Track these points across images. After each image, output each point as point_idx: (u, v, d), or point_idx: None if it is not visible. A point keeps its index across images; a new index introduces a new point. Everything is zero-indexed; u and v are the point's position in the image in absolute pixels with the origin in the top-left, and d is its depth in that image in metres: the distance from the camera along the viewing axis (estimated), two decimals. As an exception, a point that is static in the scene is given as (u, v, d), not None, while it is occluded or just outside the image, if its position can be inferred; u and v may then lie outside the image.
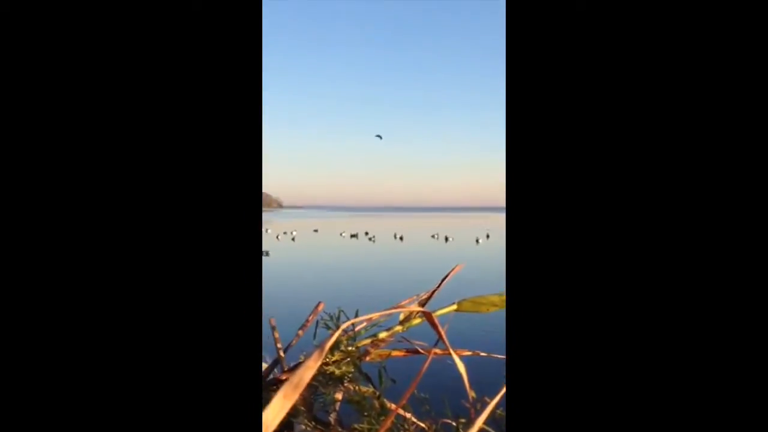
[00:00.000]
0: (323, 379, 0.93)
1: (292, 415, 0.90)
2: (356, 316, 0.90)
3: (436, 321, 0.77)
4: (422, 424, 0.89)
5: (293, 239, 28.44)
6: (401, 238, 29.03)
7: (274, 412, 0.52)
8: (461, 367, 0.75)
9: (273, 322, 1.16)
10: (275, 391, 0.68)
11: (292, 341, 1.12)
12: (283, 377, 1.01)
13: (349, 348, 0.96)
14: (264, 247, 19.40)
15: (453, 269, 1.14)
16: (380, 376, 0.91)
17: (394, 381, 0.90)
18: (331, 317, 0.95)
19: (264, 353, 1.24)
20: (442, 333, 0.76)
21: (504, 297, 0.95)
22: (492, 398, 0.74)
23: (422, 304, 1.06)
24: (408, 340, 1.06)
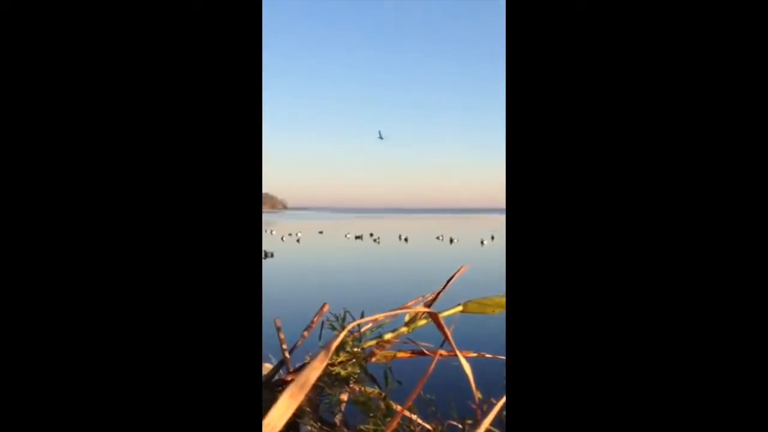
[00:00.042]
0: (329, 380, 0.93)
1: (298, 416, 0.90)
2: (361, 317, 0.90)
3: (442, 322, 0.77)
4: (428, 426, 0.88)
5: (298, 241, 28.47)
6: (406, 240, 29.01)
7: (280, 412, 0.52)
8: (467, 368, 0.75)
9: (278, 323, 1.16)
10: (281, 391, 0.68)
11: (297, 342, 1.13)
12: (289, 378, 1.01)
13: (355, 349, 0.96)
14: (269, 249, 19.42)
15: (458, 270, 1.14)
16: (386, 377, 0.91)
17: (400, 382, 0.90)
18: (337, 318, 0.95)
19: (269, 354, 1.24)
20: (448, 333, 0.76)
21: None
22: (498, 399, 0.74)
23: (428, 305, 1.05)
24: (414, 342, 1.05)
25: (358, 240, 29.54)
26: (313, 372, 0.56)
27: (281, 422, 0.52)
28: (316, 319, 1.14)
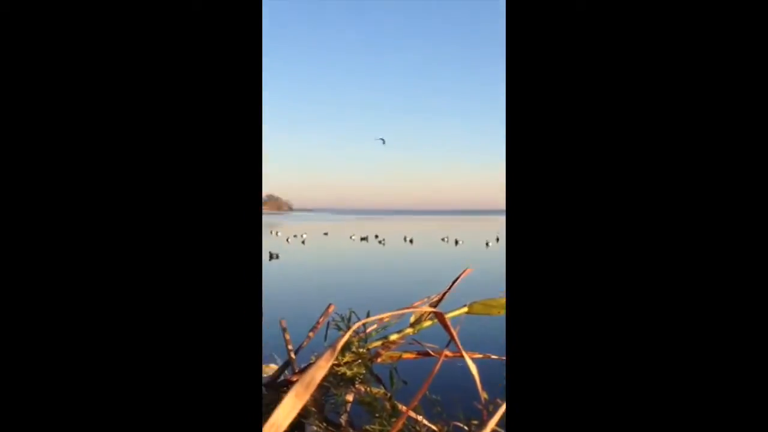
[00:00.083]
0: (334, 380, 0.93)
1: (304, 416, 0.90)
2: (367, 317, 0.90)
3: (448, 321, 0.77)
4: (434, 427, 0.88)
5: (303, 242, 28.48)
6: (411, 241, 28.97)
7: (285, 412, 0.52)
8: (473, 368, 0.74)
9: (284, 324, 1.16)
10: (286, 392, 0.68)
11: (302, 343, 1.13)
12: (294, 378, 1.02)
13: (360, 350, 0.96)
14: (274, 250, 19.42)
15: (463, 272, 1.14)
16: (391, 378, 0.91)
17: (405, 382, 0.90)
18: (342, 318, 0.96)
19: (275, 355, 1.25)
20: (454, 333, 0.76)
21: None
22: (504, 400, 0.74)
23: (433, 306, 1.05)
24: (419, 343, 1.06)
25: (364, 241, 29.51)
26: (319, 371, 0.56)
27: (286, 422, 0.52)
28: (321, 320, 1.14)
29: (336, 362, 0.94)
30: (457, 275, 1.12)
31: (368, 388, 0.92)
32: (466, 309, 1.03)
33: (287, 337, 1.13)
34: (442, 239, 29.61)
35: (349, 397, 0.95)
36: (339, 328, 0.95)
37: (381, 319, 0.95)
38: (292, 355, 1.08)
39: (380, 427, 0.85)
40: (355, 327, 0.76)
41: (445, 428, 0.87)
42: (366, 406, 0.90)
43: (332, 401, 0.93)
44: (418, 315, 1.05)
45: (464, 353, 0.74)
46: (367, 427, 0.86)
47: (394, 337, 1.03)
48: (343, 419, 0.93)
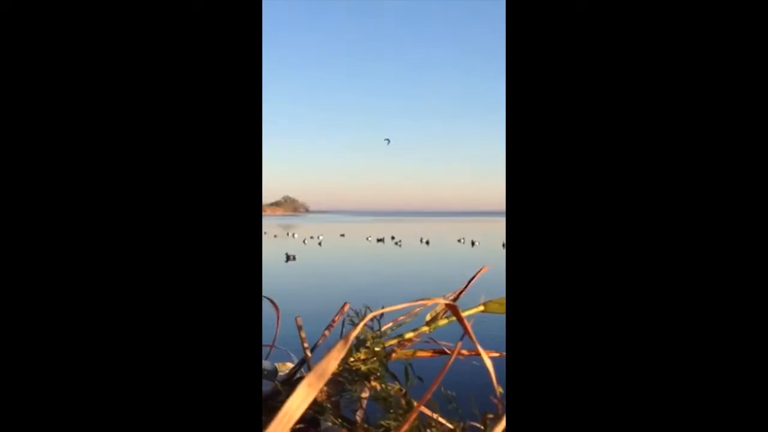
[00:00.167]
0: (349, 376, 0.93)
1: (319, 412, 0.91)
2: (381, 313, 0.90)
3: (462, 316, 0.77)
4: (449, 425, 0.88)
5: (320, 244, 28.58)
6: (427, 243, 28.93)
7: (298, 401, 0.52)
8: (488, 362, 0.74)
9: (299, 322, 1.17)
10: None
11: (318, 341, 1.13)
12: (310, 375, 1.02)
13: (376, 348, 0.96)
14: (291, 252, 19.52)
15: (480, 270, 1.14)
16: (406, 374, 0.91)
17: (421, 379, 0.90)
18: (357, 313, 0.96)
19: (290, 353, 1.25)
20: (468, 327, 0.76)
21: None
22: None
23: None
24: (435, 341, 1.06)
25: (380, 243, 29.53)
26: (331, 362, 0.56)
27: (299, 411, 0.52)
28: (337, 318, 1.14)
29: (352, 359, 0.94)
30: (474, 276, 1.12)
31: (383, 385, 0.92)
32: (482, 307, 1.03)
33: (303, 335, 1.14)
34: (459, 240, 29.54)
35: (365, 394, 0.95)
36: (353, 323, 0.95)
37: (395, 314, 0.95)
38: (308, 353, 1.09)
39: (395, 423, 0.85)
40: (368, 318, 0.76)
41: (461, 424, 0.87)
42: (381, 402, 0.90)
43: (347, 396, 0.93)
44: (434, 313, 1.05)
45: (478, 346, 0.74)
46: (382, 422, 0.86)
47: (409, 335, 1.03)
48: (358, 415, 0.94)
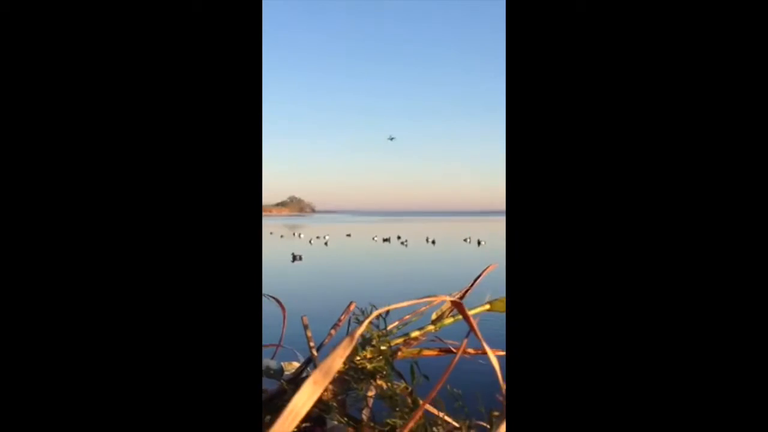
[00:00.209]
0: (355, 375, 0.93)
1: (325, 411, 0.91)
2: (387, 311, 0.90)
3: (468, 313, 0.77)
4: (455, 423, 0.88)
5: (326, 243, 28.61)
6: (433, 242, 28.91)
7: (303, 398, 0.53)
8: (494, 360, 0.74)
9: (305, 321, 1.17)
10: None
11: (324, 340, 1.13)
12: (316, 374, 1.02)
13: (382, 347, 0.96)
14: (297, 252, 19.55)
15: (486, 269, 1.14)
16: (412, 372, 0.91)
17: (426, 377, 0.90)
18: (363, 312, 0.96)
19: (297, 352, 1.26)
20: (474, 324, 0.76)
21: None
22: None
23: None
24: (441, 339, 1.05)
25: (386, 243, 29.53)
26: (337, 359, 0.56)
27: (305, 409, 0.52)
28: (343, 317, 1.14)
29: (357, 357, 0.94)
30: (481, 275, 1.12)
31: (389, 383, 0.92)
32: (488, 306, 1.03)
33: (309, 334, 1.14)
34: (465, 240, 29.50)
35: (370, 392, 0.95)
36: (359, 322, 0.95)
37: (401, 312, 0.95)
38: (314, 352, 1.09)
39: (401, 421, 0.85)
40: (374, 315, 0.76)
41: (467, 422, 0.87)
42: (387, 400, 0.90)
43: (353, 395, 0.93)
44: (440, 312, 1.05)
45: (484, 343, 0.74)
46: (388, 420, 0.86)
47: (415, 333, 1.03)
48: (364, 414, 0.94)
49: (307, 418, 0.87)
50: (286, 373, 1.13)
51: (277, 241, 31.24)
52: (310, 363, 1.10)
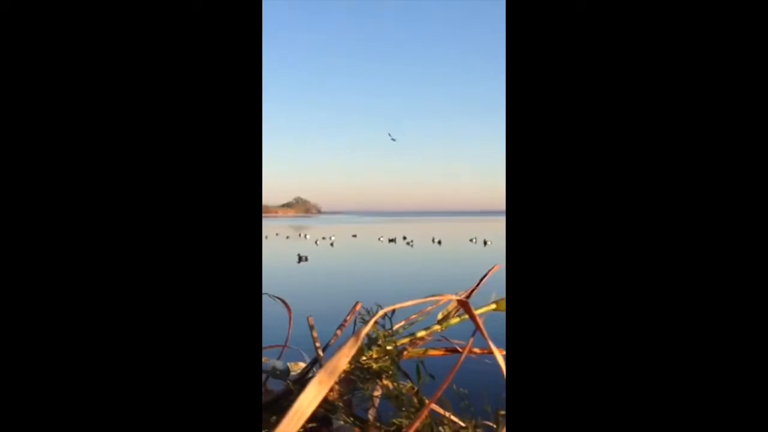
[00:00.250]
0: (361, 375, 0.93)
1: (331, 411, 0.91)
2: (393, 311, 0.90)
3: (474, 312, 0.77)
4: (462, 423, 0.88)
5: (332, 244, 28.62)
6: (439, 242, 28.86)
7: (309, 398, 0.53)
8: (500, 359, 0.74)
9: (311, 321, 1.17)
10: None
11: (330, 340, 1.13)
12: (322, 374, 1.02)
13: (387, 347, 0.96)
14: (303, 253, 19.56)
15: (491, 269, 1.14)
16: (418, 372, 0.91)
17: (432, 377, 0.90)
18: (369, 312, 0.96)
19: (303, 352, 1.26)
20: (480, 323, 0.76)
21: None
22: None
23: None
24: (447, 339, 1.05)
25: (392, 243, 29.51)
26: (342, 359, 0.56)
27: (310, 409, 0.53)
28: (348, 317, 1.14)
29: (363, 357, 0.94)
30: (487, 274, 1.12)
31: (395, 383, 0.92)
32: (494, 306, 1.03)
33: (315, 334, 1.14)
34: (471, 240, 29.45)
35: (376, 392, 0.95)
36: (365, 321, 0.95)
37: (407, 312, 0.95)
38: (320, 352, 1.09)
39: (407, 421, 0.85)
40: (379, 315, 0.76)
41: (473, 422, 0.87)
42: (393, 400, 0.90)
43: (359, 395, 0.93)
44: (446, 312, 1.05)
45: (490, 342, 0.74)
46: (394, 420, 0.86)
47: (421, 333, 1.03)
48: (370, 414, 0.94)
49: (313, 418, 0.87)
50: (292, 373, 1.13)
51: (282, 242, 31.29)
52: (316, 363, 1.10)
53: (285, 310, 1.45)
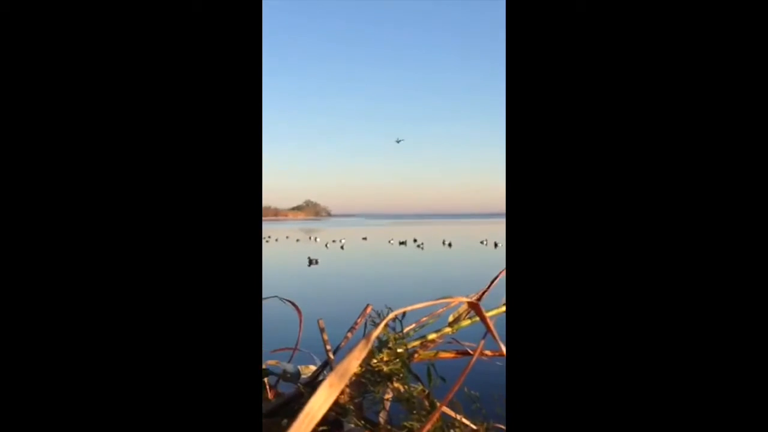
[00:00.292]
0: (372, 378, 0.93)
1: (341, 414, 0.91)
2: (404, 315, 0.90)
3: (485, 314, 0.76)
4: (473, 425, 0.88)
5: (342, 247, 28.66)
6: (450, 245, 28.83)
7: (319, 401, 0.52)
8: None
9: (322, 324, 1.17)
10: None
11: (341, 343, 1.13)
12: (333, 377, 1.02)
13: (398, 349, 0.96)
14: (313, 256, 19.61)
15: (502, 271, 1.13)
16: (429, 374, 0.90)
17: (443, 380, 0.89)
18: (379, 315, 0.96)
19: (313, 355, 1.25)
20: (491, 325, 0.76)
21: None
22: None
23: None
24: (458, 341, 1.05)
25: (402, 246, 29.50)
26: (352, 362, 0.56)
27: (321, 411, 0.52)
28: (359, 320, 1.14)
29: (374, 360, 0.94)
30: (497, 277, 1.12)
31: (406, 386, 0.92)
32: (504, 308, 1.02)
33: (325, 337, 1.14)
34: (481, 242, 29.38)
35: (387, 395, 0.95)
36: (375, 324, 0.95)
37: (418, 315, 0.95)
38: (331, 355, 1.09)
39: (418, 424, 0.85)
40: (389, 318, 0.76)
41: (484, 425, 0.86)
42: (404, 403, 0.90)
43: (370, 398, 0.93)
44: (457, 314, 1.05)
45: (501, 344, 0.73)
46: (405, 423, 0.86)
47: (432, 336, 1.03)
48: (381, 417, 0.93)
49: (324, 421, 0.87)
50: (303, 376, 1.13)
51: (293, 245, 31.39)
52: (326, 366, 1.10)
53: (295, 313, 1.45)
